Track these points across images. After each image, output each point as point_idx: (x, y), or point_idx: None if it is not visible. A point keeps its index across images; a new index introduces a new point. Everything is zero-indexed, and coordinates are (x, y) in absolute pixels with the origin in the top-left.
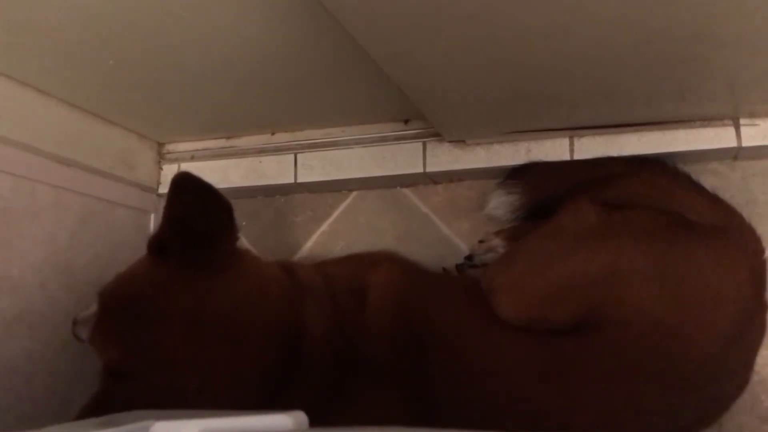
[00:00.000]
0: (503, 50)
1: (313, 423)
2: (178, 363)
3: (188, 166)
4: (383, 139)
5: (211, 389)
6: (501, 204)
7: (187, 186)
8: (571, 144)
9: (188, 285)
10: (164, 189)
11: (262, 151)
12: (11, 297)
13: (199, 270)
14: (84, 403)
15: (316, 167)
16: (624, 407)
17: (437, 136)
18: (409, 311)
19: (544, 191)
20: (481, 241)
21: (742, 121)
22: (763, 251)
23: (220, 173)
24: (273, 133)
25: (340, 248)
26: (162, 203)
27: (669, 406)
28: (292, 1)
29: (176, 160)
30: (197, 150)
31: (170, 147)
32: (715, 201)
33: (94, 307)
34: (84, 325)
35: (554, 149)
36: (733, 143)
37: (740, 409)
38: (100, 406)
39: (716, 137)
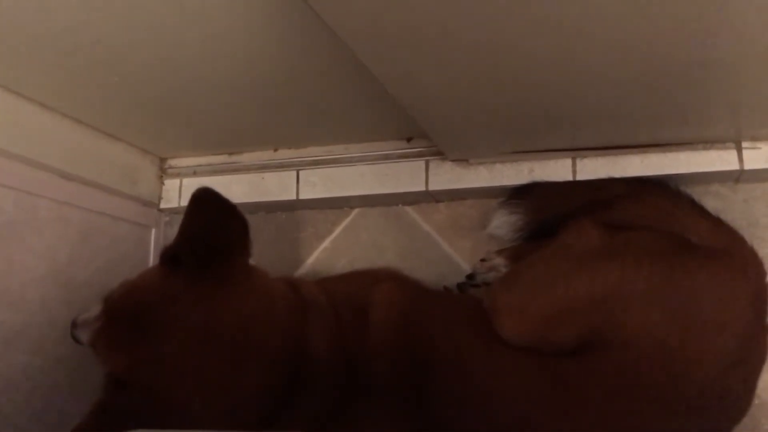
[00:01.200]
0: (507, 72)
1: None
2: (185, 377)
3: (190, 182)
4: (386, 157)
5: (215, 406)
6: (503, 223)
7: (206, 201)
8: (574, 165)
9: (199, 298)
10: (166, 204)
11: (264, 168)
12: (11, 311)
13: (211, 284)
14: (87, 411)
15: (318, 184)
16: (625, 430)
17: (440, 154)
18: (410, 330)
19: (546, 211)
20: (482, 260)
21: (744, 144)
22: (764, 274)
23: (223, 189)
24: (276, 150)
25: (341, 265)
26: (163, 218)
27: (670, 429)
28: (295, 19)
29: (178, 175)
30: (199, 165)
31: (172, 162)
32: (717, 224)
33: (95, 310)
34: (84, 328)
35: (557, 169)
36: (736, 166)
37: None
38: (102, 415)
39: (718, 160)
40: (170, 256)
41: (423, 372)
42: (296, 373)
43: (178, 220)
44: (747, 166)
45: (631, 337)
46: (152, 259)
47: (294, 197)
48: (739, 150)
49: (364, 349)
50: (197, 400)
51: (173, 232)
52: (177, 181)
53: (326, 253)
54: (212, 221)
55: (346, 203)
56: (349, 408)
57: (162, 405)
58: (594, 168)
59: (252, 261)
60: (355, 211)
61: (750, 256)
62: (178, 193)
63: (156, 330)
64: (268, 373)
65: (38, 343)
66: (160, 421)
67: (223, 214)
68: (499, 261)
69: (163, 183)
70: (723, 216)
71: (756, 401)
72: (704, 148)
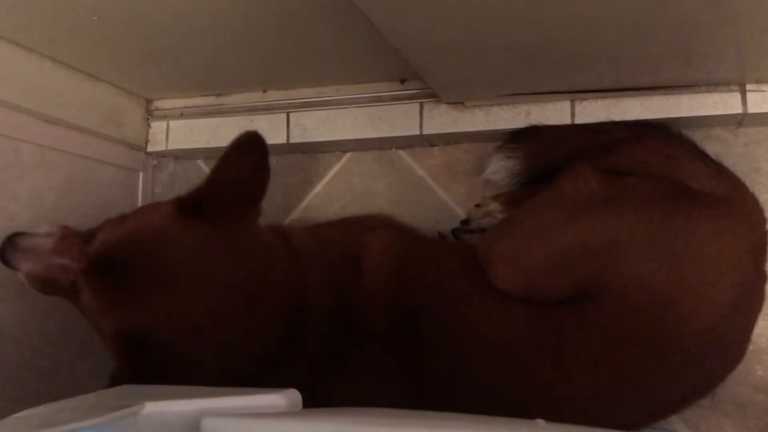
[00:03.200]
0: (505, 9)
1: (311, 393)
2: (203, 332)
3: (177, 124)
4: (378, 99)
5: (223, 356)
6: (500, 168)
7: (253, 148)
8: (573, 108)
9: (220, 251)
10: (153, 147)
11: (253, 110)
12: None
13: (230, 236)
14: (108, 381)
15: (309, 127)
16: (621, 378)
17: (434, 97)
18: (404, 279)
19: (544, 156)
20: (478, 206)
21: (748, 87)
22: (765, 222)
23: (210, 132)
24: (265, 91)
25: (333, 211)
26: (150, 161)
27: (666, 377)
28: None
29: (165, 117)
30: (186, 107)
31: (158, 104)
32: (719, 170)
33: (43, 234)
34: (27, 253)
35: (555, 113)
36: (738, 109)
37: (734, 378)
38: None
39: (721, 103)
40: (193, 204)
41: (417, 319)
42: (294, 322)
43: (166, 163)
44: (751, 110)
45: (628, 286)
46: (141, 203)
47: (284, 141)
48: (743, 93)
49: (359, 297)
50: (210, 353)
51: (161, 175)
52: (164, 123)
53: (318, 199)
54: (250, 171)
55: (338, 147)
56: (345, 355)
57: (180, 360)
58: (593, 111)
59: None
60: (347, 155)
61: (751, 203)
62: (165, 136)
63: (177, 284)
64: (271, 323)
65: (25, 291)
66: (176, 377)
67: (262, 165)
68: (495, 206)
69: (149, 125)
70: (723, 161)
71: (750, 347)
72: (707, 91)
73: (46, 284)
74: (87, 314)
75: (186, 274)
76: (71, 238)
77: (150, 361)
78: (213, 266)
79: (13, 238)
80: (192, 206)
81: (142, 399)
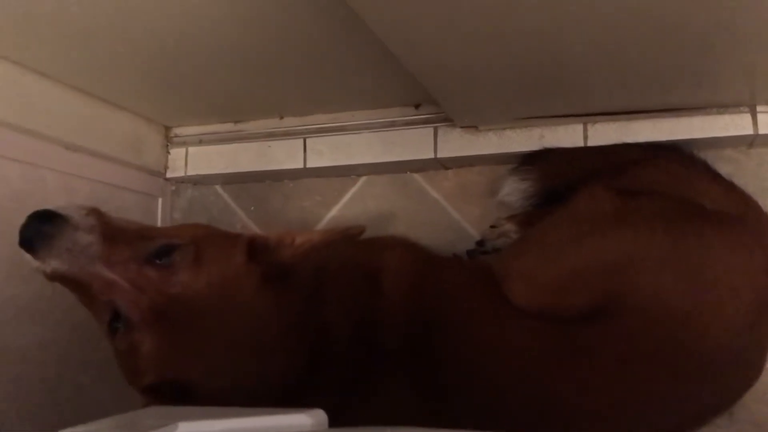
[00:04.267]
0: (519, 36)
1: (335, 413)
2: (232, 373)
3: (196, 150)
4: (393, 124)
5: (251, 394)
6: (514, 190)
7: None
8: (585, 130)
9: (269, 298)
10: (172, 173)
11: (270, 136)
12: (22, 284)
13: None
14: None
15: (325, 152)
16: (637, 395)
17: (448, 121)
18: (422, 297)
19: (558, 178)
20: (492, 227)
21: (759, 108)
22: None
23: (229, 157)
24: (282, 118)
25: None
26: (169, 187)
27: (682, 394)
28: None
29: (184, 144)
30: (204, 134)
31: (178, 131)
32: (730, 189)
33: (82, 214)
34: (65, 252)
35: (568, 135)
36: (750, 131)
37: (751, 396)
38: None
39: (732, 124)
40: (279, 272)
41: (435, 338)
42: (318, 346)
43: (184, 188)
44: (762, 131)
45: (644, 303)
46: None
47: (301, 165)
48: (754, 114)
49: (378, 316)
50: (240, 395)
51: (180, 201)
52: (183, 150)
53: (334, 222)
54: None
55: (354, 171)
56: (366, 374)
57: (209, 401)
58: (605, 133)
59: (257, 230)
60: (363, 179)
61: (764, 222)
62: (184, 162)
63: (236, 342)
64: (298, 353)
65: (49, 315)
66: None
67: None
68: (509, 227)
69: (168, 152)
70: (735, 181)
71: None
72: (718, 113)
73: (71, 283)
74: (119, 343)
75: (243, 333)
76: (121, 247)
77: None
78: (264, 324)
79: (45, 226)
80: (278, 275)
81: (175, 419)
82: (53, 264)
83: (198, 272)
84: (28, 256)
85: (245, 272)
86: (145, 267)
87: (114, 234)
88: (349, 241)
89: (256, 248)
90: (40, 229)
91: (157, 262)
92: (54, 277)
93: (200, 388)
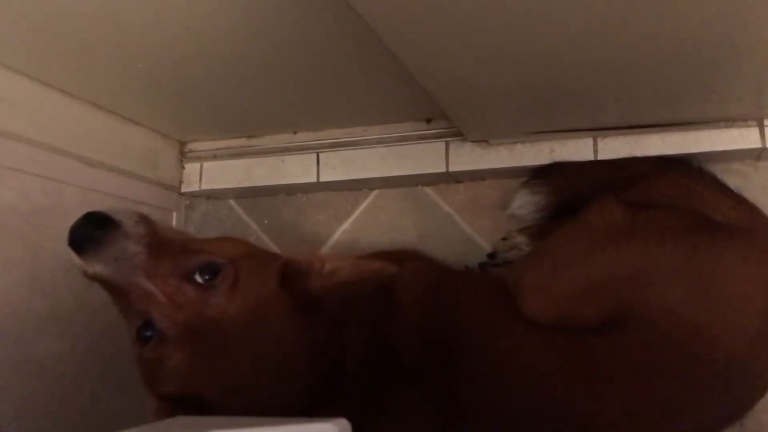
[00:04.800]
0: (531, 53)
1: (355, 427)
2: (251, 393)
3: (210, 165)
4: (405, 139)
5: (259, 409)
6: (526, 203)
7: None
8: (595, 144)
9: (296, 326)
10: (186, 188)
11: (284, 150)
12: (41, 297)
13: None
14: None
15: (338, 166)
16: (649, 406)
17: (460, 135)
18: (436, 310)
19: (569, 191)
20: (504, 239)
21: (766, 122)
22: None
23: (242, 172)
24: (295, 133)
25: (362, 247)
26: (184, 202)
27: (695, 403)
28: (316, 1)
29: (198, 158)
30: (219, 149)
31: (192, 146)
32: (740, 201)
33: (134, 221)
34: (112, 259)
35: (578, 149)
36: (758, 144)
37: (762, 407)
38: None
39: (740, 138)
40: (310, 302)
41: (450, 351)
42: (334, 363)
43: (198, 202)
44: None
45: (655, 315)
46: None
47: (315, 180)
48: (761, 127)
49: (392, 329)
50: (256, 409)
51: (194, 215)
52: (197, 165)
53: (346, 235)
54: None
55: (366, 185)
56: (383, 388)
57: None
58: (615, 147)
59: (270, 244)
60: (375, 192)
61: None
62: (198, 177)
63: (258, 363)
64: (315, 372)
65: (68, 328)
66: None
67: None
68: (521, 239)
69: (183, 167)
70: (744, 194)
71: None
72: (726, 126)
73: (109, 287)
74: (147, 352)
75: (268, 357)
76: (164, 260)
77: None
78: (289, 350)
79: (97, 231)
80: (307, 304)
81: (204, 429)
82: (97, 268)
83: (234, 296)
84: (73, 254)
85: (277, 299)
86: (185, 284)
87: (160, 245)
88: (377, 281)
89: (288, 273)
90: (93, 233)
91: (197, 280)
92: (94, 278)
93: (217, 404)
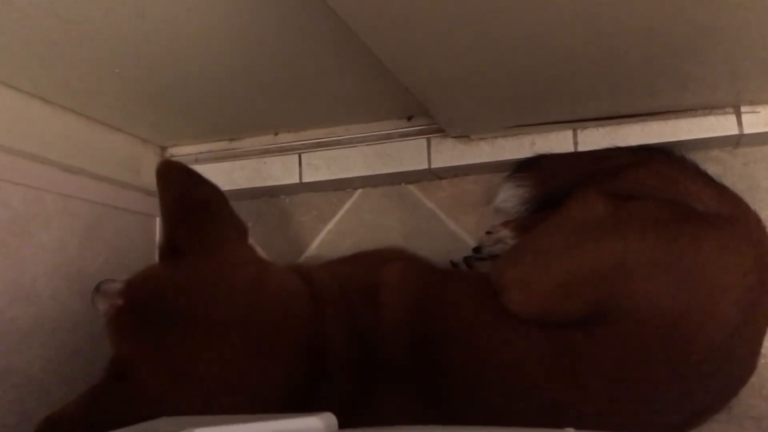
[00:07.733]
0: (507, 46)
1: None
2: (188, 376)
3: None
4: (387, 137)
5: (222, 406)
6: (510, 197)
7: (173, 174)
8: (575, 136)
9: (203, 287)
10: None
11: (266, 152)
12: (24, 305)
13: (215, 271)
14: (79, 395)
15: (320, 167)
16: (634, 396)
17: (441, 132)
18: (422, 308)
19: (553, 183)
20: (489, 233)
21: (743, 108)
22: (767, 238)
23: (225, 175)
24: (276, 134)
25: (347, 247)
26: None
27: (679, 393)
28: (293, 0)
29: None
30: (200, 153)
31: (173, 151)
32: (721, 190)
33: (118, 284)
34: (104, 296)
35: (558, 142)
36: (735, 131)
37: (749, 392)
38: (92, 403)
39: (718, 125)
40: (168, 249)
41: (436, 349)
42: (316, 365)
43: None
44: (746, 130)
45: (638, 306)
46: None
47: (297, 180)
48: (738, 114)
49: (378, 329)
50: (199, 401)
51: None
52: None
53: (331, 236)
54: (187, 193)
55: (350, 184)
56: (369, 390)
57: (158, 404)
58: (595, 138)
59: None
60: (358, 192)
61: (753, 222)
62: None
63: (164, 322)
64: (287, 368)
65: (53, 336)
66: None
67: (195, 185)
68: (506, 233)
69: None
70: (723, 181)
71: (762, 360)
72: (703, 114)
73: None
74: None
75: (170, 315)
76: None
77: (122, 393)
78: (197, 305)
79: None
80: (170, 250)
81: (189, 426)
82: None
83: (142, 275)
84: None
85: (157, 266)
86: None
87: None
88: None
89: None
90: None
91: None
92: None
93: (134, 376)
